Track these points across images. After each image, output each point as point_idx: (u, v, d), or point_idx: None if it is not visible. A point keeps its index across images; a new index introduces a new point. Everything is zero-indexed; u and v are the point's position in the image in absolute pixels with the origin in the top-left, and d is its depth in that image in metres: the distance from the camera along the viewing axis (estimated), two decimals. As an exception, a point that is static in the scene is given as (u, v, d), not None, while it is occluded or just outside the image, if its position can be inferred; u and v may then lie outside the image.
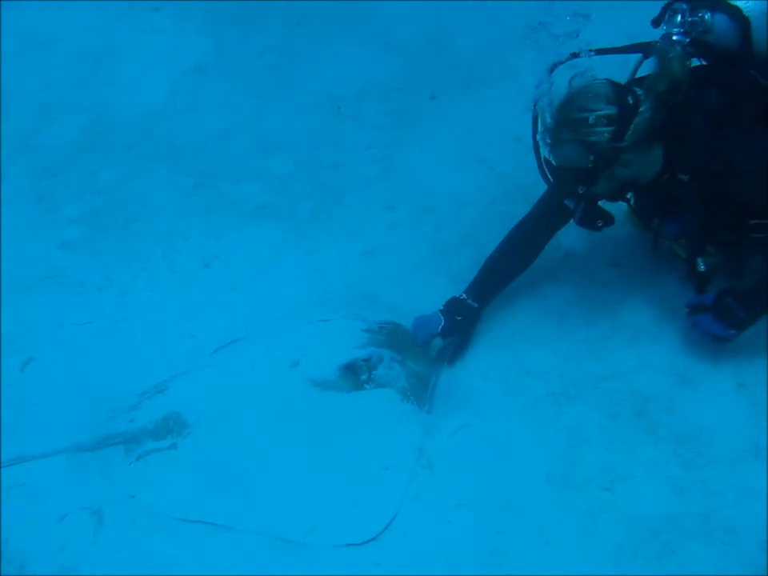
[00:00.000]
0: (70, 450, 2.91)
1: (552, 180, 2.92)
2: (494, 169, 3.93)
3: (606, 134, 2.62)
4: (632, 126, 2.62)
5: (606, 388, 2.93)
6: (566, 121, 2.66)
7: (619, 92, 2.65)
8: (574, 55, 2.77)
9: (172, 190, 4.04)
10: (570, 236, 3.48)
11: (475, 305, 3.10)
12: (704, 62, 2.84)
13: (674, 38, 2.70)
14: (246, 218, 3.84)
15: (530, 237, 3.17)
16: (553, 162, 2.78)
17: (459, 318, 3.06)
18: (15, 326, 3.43)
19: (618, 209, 3.15)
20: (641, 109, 2.63)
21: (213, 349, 3.20)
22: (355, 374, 2.90)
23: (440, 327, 3.03)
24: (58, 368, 3.25)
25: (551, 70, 2.77)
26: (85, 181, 4.15)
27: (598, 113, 2.62)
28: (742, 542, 2.46)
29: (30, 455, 2.90)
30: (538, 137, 2.79)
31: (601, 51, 2.78)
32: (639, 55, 2.81)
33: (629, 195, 3.00)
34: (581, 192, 2.74)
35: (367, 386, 2.89)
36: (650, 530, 2.53)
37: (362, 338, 3.00)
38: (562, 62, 2.79)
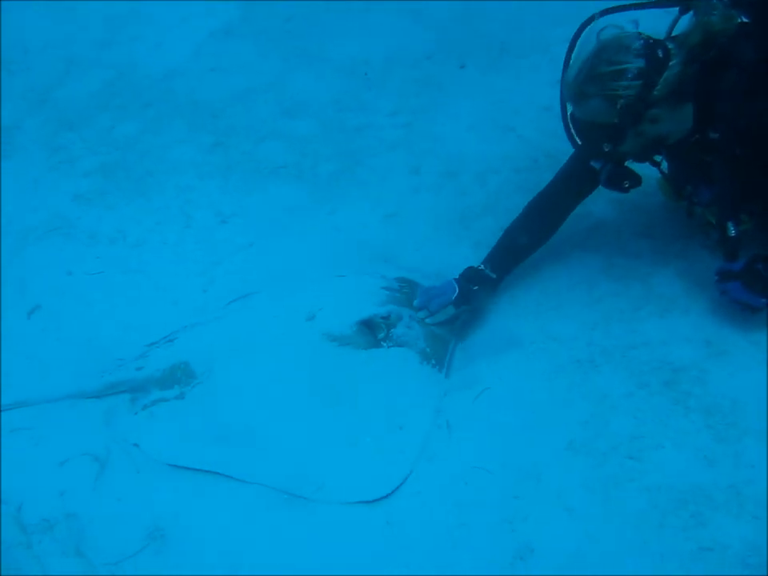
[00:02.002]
0: (74, 396, 2.81)
1: (578, 140, 2.79)
2: (522, 137, 3.82)
3: (633, 89, 2.49)
4: (661, 81, 2.50)
5: (635, 357, 2.80)
6: (593, 75, 2.54)
7: (649, 45, 2.53)
8: (607, 11, 2.64)
9: (191, 147, 3.94)
10: (600, 205, 3.38)
11: (494, 275, 2.95)
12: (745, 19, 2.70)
13: None
14: (267, 176, 3.74)
15: (555, 203, 3.03)
16: (579, 118, 2.65)
17: (476, 287, 2.91)
18: (24, 273, 3.35)
19: (650, 179, 3.05)
20: (671, 63, 2.51)
21: (226, 303, 3.07)
22: (373, 331, 2.79)
23: (454, 296, 2.88)
24: (65, 316, 3.16)
25: (578, 33, 2.64)
26: (102, 135, 4.07)
27: (626, 65, 2.49)
28: (775, 516, 2.32)
29: (32, 399, 2.80)
30: (566, 88, 2.65)
31: (633, 6, 2.65)
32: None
33: (658, 158, 2.87)
34: (607, 150, 2.61)
35: (384, 344, 2.78)
36: (678, 500, 2.40)
37: (382, 296, 2.88)
38: (587, 23, 2.67)
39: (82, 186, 3.78)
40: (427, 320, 2.87)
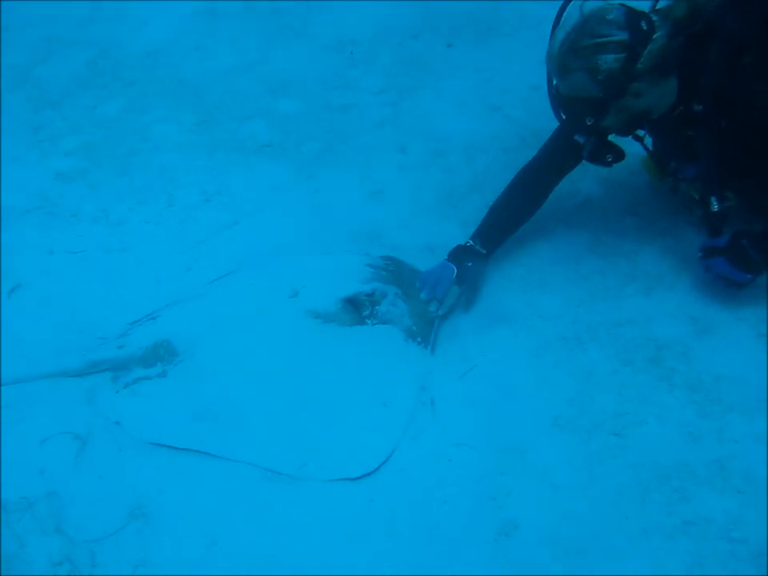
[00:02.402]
0: (55, 374, 2.77)
1: (561, 113, 2.76)
2: (510, 116, 3.80)
3: (615, 62, 2.46)
4: (645, 53, 2.47)
5: (621, 334, 2.80)
6: (575, 48, 2.51)
7: (632, 17, 2.50)
8: None
9: (174, 126, 3.90)
10: (587, 183, 3.38)
11: (483, 251, 2.95)
12: None
13: None
14: (251, 155, 3.70)
15: (540, 178, 3.02)
16: (562, 92, 2.62)
17: (470, 264, 2.91)
18: (3, 253, 3.29)
19: (634, 157, 3.04)
20: (655, 35, 2.47)
21: (209, 281, 3.04)
22: (357, 309, 2.77)
23: (454, 275, 2.87)
24: (46, 295, 3.11)
25: (565, 6, 2.61)
26: (84, 114, 4.02)
27: (608, 38, 2.47)
28: (758, 490, 2.32)
29: (11, 379, 2.75)
30: (550, 63, 2.62)
31: None
32: None
33: (641, 133, 2.85)
34: (589, 124, 2.58)
35: (369, 322, 2.76)
36: (661, 476, 2.40)
37: (366, 273, 2.86)
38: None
39: (63, 164, 3.73)
40: (440, 311, 2.84)
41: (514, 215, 3.03)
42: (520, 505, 2.38)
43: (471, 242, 2.97)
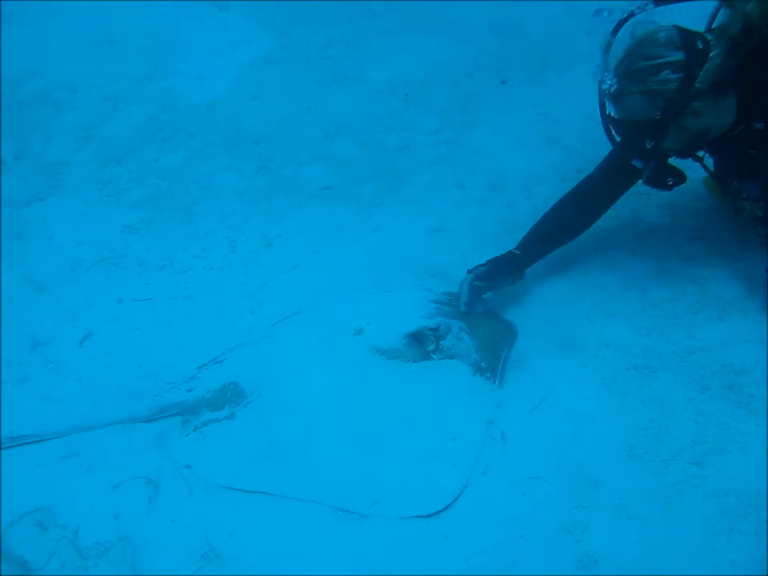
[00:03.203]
0: (126, 421, 2.80)
1: (618, 138, 2.73)
2: (567, 147, 3.78)
3: (673, 83, 2.44)
4: (702, 72, 2.44)
5: (694, 361, 2.74)
6: (630, 71, 2.49)
7: (687, 37, 2.48)
8: (637, 10, 2.59)
9: (235, 174, 3.97)
10: (651, 211, 3.33)
11: (517, 252, 2.95)
12: None
13: None
14: (310, 198, 3.74)
15: (593, 199, 3.00)
16: (618, 117, 2.59)
17: (498, 263, 2.93)
18: (75, 303, 3.36)
19: (696, 182, 3.02)
20: (711, 54, 2.44)
21: (273, 323, 3.06)
22: (422, 344, 2.74)
23: (470, 279, 2.90)
24: (116, 343, 3.17)
25: (616, 30, 2.59)
26: (148, 167, 4.10)
27: (665, 59, 2.44)
28: None
29: (84, 425, 2.79)
30: (603, 88, 2.60)
31: (664, 1, 2.60)
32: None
33: (701, 154, 2.80)
34: (649, 147, 2.54)
35: (434, 357, 2.73)
36: (747, 506, 2.31)
37: (430, 308, 2.85)
38: (626, 20, 2.61)
39: (129, 216, 3.81)
40: (462, 308, 2.85)
41: (562, 232, 3.03)
42: (598, 538, 2.32)
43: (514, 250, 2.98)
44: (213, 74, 4.73)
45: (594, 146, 3.62)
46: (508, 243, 3.27)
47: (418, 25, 4.79)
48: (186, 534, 2.47)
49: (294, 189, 3.81)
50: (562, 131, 3.85)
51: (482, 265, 2.95)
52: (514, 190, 3.58)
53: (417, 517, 2.41)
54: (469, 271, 2.95)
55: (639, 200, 3.38)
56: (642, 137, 2.54)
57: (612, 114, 2.61)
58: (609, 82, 2.53)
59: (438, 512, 2.41)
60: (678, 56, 2.44)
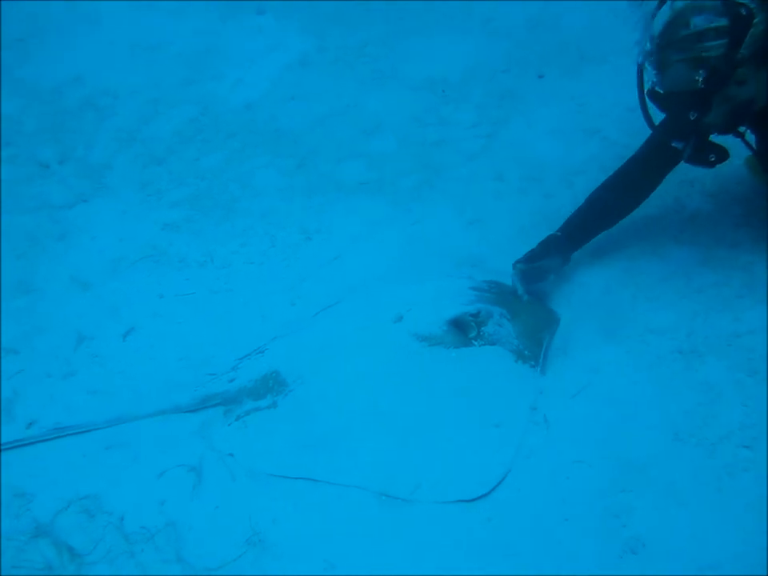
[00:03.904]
0: (169, 411, 2.82)
1: (660, 118, 2.68)
2: (607, 138, 3.75)
3: (717, 48, 2.40)
4: (746, 38, 2.40)
5: (741, 345, 2.69)
6: (673, 40, 2.46)
7: (730, 4, 2.44)
8: None
9: (274, 172, 3.99)
10: (695, 198, 3.28)
11: (559, 234, 2.94)
12: None
13: None
14: (349, 193, 3.75)
15: (635, 183, 2.99)
16: (660, 91, 2.56)
17: (541, 243, 2.94)
18: (117, 299, 3.40)
19: (740, 168, 3.00)
20: (755, 20, 2.40)
21: (313, 313, 3.06)
22: (463, 330, 2.73)
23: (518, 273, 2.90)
24: (158, 336, 3.20)
25: (659, 6, 2.56)
26: (188, 167, 4.15)
27: (708, 26, 2.40)
28: None
29: (128, 416, 2.83)
30: (644, 64, 2.57)
31: None
32: None
33: (742, 129, 2.75)
34: (692, 119, 2.50)
35: (476, 343, 2.72)
36: (800, 488, 2.24)
37: (470, 295, 2.83)
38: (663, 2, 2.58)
39: (170, 215, 3.85)
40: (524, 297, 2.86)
41: (605, 217, 3.02)
42: (645, 522, 2.28)
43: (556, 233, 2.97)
44: (251, 77, 4.77)
45: (634, 137, 3.52)
46: (547, 233, 3.26)
47: (454, 23, 4.80)
48: (230, 519, 2.48)
49: (332, 184, 3.82)
50: (601, 123, 3.82)
51: (525, 254, 2.95)
52: (552, 180, 3.56)
53: (460, 501, 2.38)
54: (514, 264, 2.93)
55: (682, 188, 3.34)
56: (687, 108, 2.51)
57: (656, 89, 2.57)
58: (650, 56, 2.50)
59: (481, 496, 2.39)
60: (722, 22, 2.41)
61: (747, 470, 2.33)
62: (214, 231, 3.70)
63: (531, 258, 2.91)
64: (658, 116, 2.78)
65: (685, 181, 3.32)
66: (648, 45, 2.52)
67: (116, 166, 4.28)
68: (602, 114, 3.88)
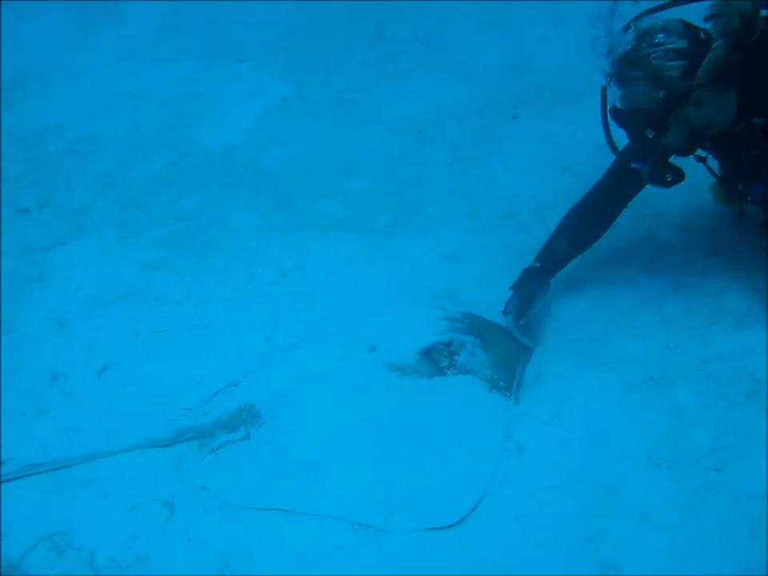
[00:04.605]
0: (143, 446, 2.81)
1: (620, 128, 2.73)
2: (579, 174, 3.79)
3: (676, 69, 2.47)
4: (705, 62, 2.46)
5: (712, 371, 2.70)
6: (635, 58, 2.53)
7: (690, 28, 2.52)
8: (649, 11, 2.63)
9: (252, 212, 4.02)
10: (664, 229, 3.33)
11: (537, 264, 2.98)
12: None
13: None
14: (325, 231, 3.78)
15: (602, 206, 3.02)
16: (621, 108, 2.62)
17: (522, 284, 2.96)
18: (93, 337, 3.41)
19: (710, 202, 3.12)
20: (714, 45, 2.47)
21: (288, 347, 3.07)
22: (435, 359, 2.74)
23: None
24: (134, 373, 3.20)
25: (627, 28, 2.63)
26: (167, 209, 4.17)
27: (669, 46, 2.48)
28: None
29: (102, 452, 2.82)
30: (607, 87, 2.63)
31: (665, 6, 2.64)
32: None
33: (704, 154, 2.82)
34: (650, 137, 2.56)
35: (449, 372, 2.73)
36: (770, 508, 2.24)
37: (443, 325, 2.85)
38: (632, 23, 2.66)
39: (148, 256, 3.86)
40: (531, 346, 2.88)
41: (573, 246, 3.05)
42: (619, 546, 2.27)
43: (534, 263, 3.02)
44: (231, 122, 4.83)
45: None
46: (522, 265, 3.29)
47: (430, 67, 4.88)
48: (202, 552, 2.46)
49: (309, 222, 3.85)
50: (573, 159, 3.87)
51: (511, 299, 2.96)
52: (526, 215, 3.60)
53: (433, 529, 2.37)
54: (505, 312, 2.95)
55: (652, 220, 3.38)
56: (645, 126, 2.56)
57: (617, 105, 2.62)
58: (613, 74, 2.56)
59: (454, 523, 2.37)
60: (682, 43, 2.48)
61: (718, 492, 2.33)
62: (191, 270, 3.71)
63: (524, 305, 2.93)
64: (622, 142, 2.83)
65: (655, 213, 3.37)
66: (611, 66, 2.58)
67: (96, 208, 4.31)
68: (574, 151, 3.93)
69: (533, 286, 2.96)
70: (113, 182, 4.52)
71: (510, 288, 3.00)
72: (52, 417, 3.05)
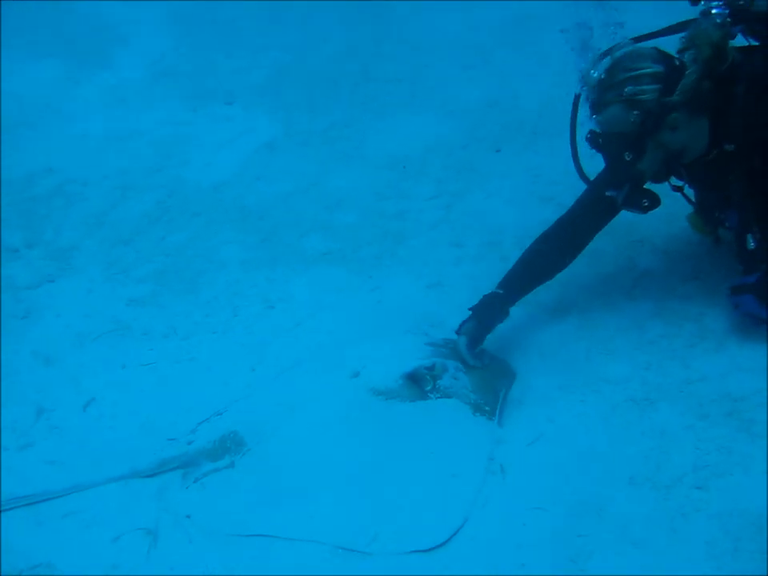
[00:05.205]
0: (127, 476, 2.80)
1: (597, 152, 2.80)
2: (561, 204, 3.78)
3: (651, 93, 2.53)
4: (679, 86, 2.54)
5: (693, 391, 2.73)
6: (611, 83, 2.60)
7: (664, 54, 2.61)
8: (616, 47, 2.71)
9: (238, 247, 4.06)
10: (645, 257, 3.38)
11: (500, 291, 2.95)
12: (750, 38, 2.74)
13: (714, 11, 2.61)
14: (311, 264, 3.82)
15: (572, 234, 3.02)
16: (598, 131, 2.67)
17: (481, 308, 2.94)
18: (79, 372, 3.41)
19: (689, 230, 3.17)
20: (687, 71, 2.54)
21: (273, 376, 3.09)
22: (418, 384, 2.76)
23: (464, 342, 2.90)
24: (120, 406, 3.20)
25: (603, 57, 2.70)
26: (154, 245, 4.20)
27: (644, 71, 2.55)
28: None
29: (85, 483, 2.80)
30: (584, 98, 2.72)
31: (641, 38, 2.73)
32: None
33: (680, 183, 2.87)
34: (628, 159, 2.60)
35: (432, 396, 2.74)
36: (752, 525, 2.26)
37: (426, 351, 2.87)
38: (605, 54, 2.73)
39: (135, 291, 3.88)
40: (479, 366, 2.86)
41: (544, 270, 3.04)
42: (602, 566, 2.27)
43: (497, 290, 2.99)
44: (219, 161, 4.89)
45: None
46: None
47: (415, 104, 4.99)
48: (186, 580, 2.43)
49: (295, 256, 3.89)
50: (555, 191, 3.93)
51: (468, 320, 2.94)
52: (509, 244, 3.64)
53: (417, 551, 2.36)
54: (458, 332, 2.93)
55: (633, 247, 3.44)
56: (622, 149, 2.61)
57: (594, 129, 2.67)
58: (590, 100, 2.62)
59: (438, 546, 2.36)
60: (657, 68, 2.55)
61: (700, 510, 2.34)
62: (178, 304, 3.73)
63: (480, 330, 2.91)
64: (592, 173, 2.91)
65: (636, 240, 3.43)
66: (588, 92, 2.64)
67: (83, 247, 4.33)
68: (556, 182, 3.99)
69: (494, 312, 2.95)
70: (100, 221, 4.55)
71: (469, 309, 2.97)
72: (36, 450, 3.04)
